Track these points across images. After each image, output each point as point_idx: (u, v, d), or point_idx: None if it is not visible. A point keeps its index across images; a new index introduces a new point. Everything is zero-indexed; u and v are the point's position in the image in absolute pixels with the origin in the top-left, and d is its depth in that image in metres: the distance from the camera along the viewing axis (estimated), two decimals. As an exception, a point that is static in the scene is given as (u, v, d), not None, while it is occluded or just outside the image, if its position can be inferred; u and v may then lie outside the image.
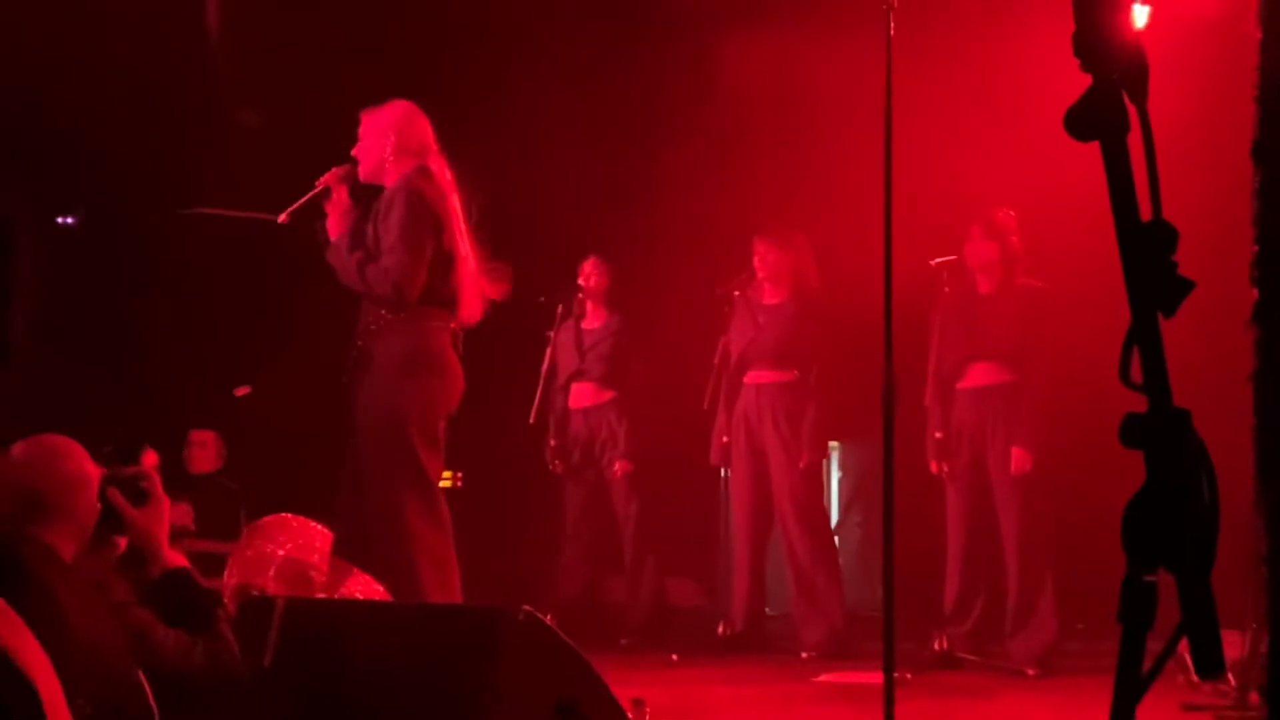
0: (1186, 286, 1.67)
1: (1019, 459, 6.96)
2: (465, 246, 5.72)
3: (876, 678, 4.77)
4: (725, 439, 8.05)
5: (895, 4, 4.71)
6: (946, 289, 7.39)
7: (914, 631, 7.08)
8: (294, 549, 4.93)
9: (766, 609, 8.27)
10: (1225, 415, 2.13)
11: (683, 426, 8.54)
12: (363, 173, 5.82)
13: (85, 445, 3.40)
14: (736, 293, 8.06)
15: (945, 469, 7.24)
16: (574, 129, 9.22)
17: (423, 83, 7.50)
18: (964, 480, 7.20)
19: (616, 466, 8.45)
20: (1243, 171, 1.76)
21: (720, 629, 8.02)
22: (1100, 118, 1.65)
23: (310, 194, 5.82)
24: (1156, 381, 1.66)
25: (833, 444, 9.25)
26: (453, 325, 5.73)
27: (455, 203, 5.73)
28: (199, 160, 9.00)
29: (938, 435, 7.24)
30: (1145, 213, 1.68)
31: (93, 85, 8.31)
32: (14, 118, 8.03)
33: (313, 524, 5.12)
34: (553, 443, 8.59)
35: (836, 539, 8.50)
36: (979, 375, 7.17)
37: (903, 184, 4.65)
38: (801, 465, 7.78)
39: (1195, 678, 5.33)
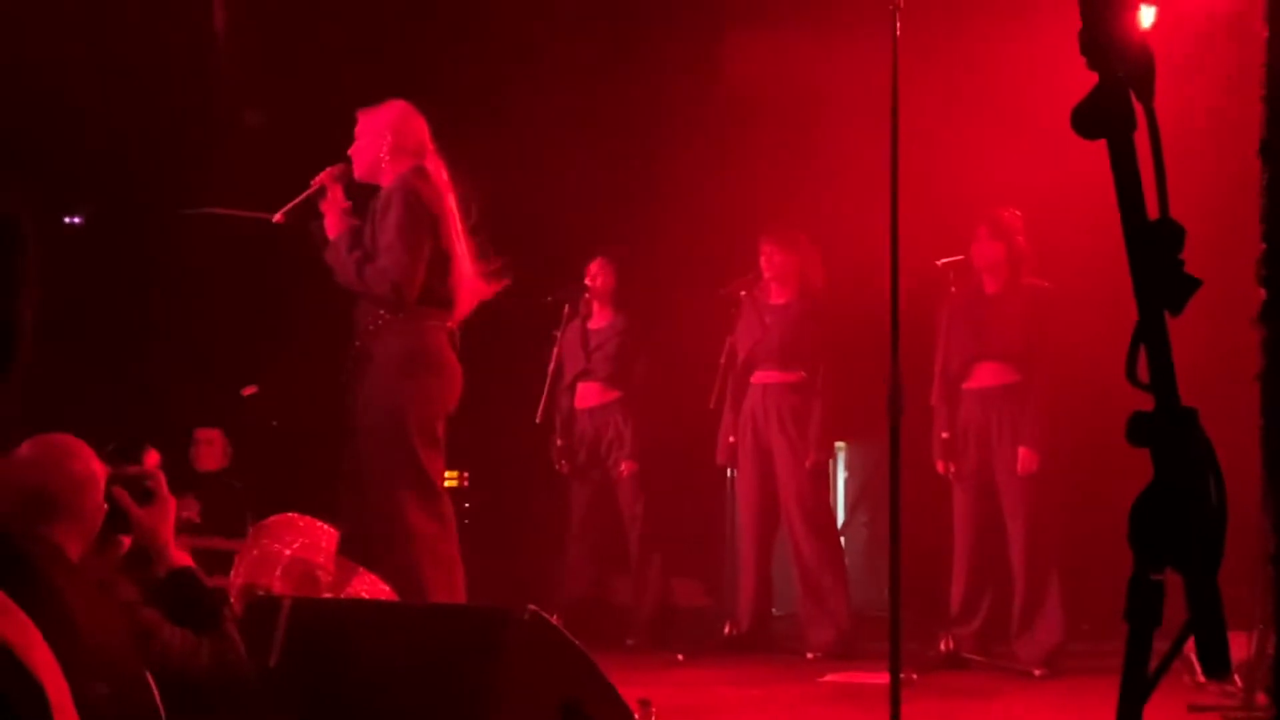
0: (1193, 285, 1.66)
1: (1025, 459, 6.96)
2: (461, 246, 5.72)
3: (882, 678, 4.78)
4: (731, 439, 8.05)
5: (901, 4, 4.71)
6: (953, 289, 7.38)
7: (920, 632, 7.07)
8: (300, 548, 4.92)
9: (772, 609, 8.27)
10: (1232, 414, 2.12)
11: (688, 426, 8.54)
12: (358, 172, 5.82)
13: (88, 444, 3.40)
14: (743, 293, 8.06)
15: (952, 469, 7.24)
16: (580, 129, 9.22)
17: (428, 83, 7.52)
18: (970, 480, 7.20)
19: (622, 466, 8.45)
20: (1250, 170, 1.76)
21: (726, 629, 8.02)
22: (1107, 116, 1.65)
23: (306, 193, 5.82)
24: (1163, 380, 1.65)
25: (839, 444, 9.26)
26: (449, 325, 5.73)
27: (452, 203, 5.73)
28: (203, 160, 9.01)
29: (944, 435, 7.24)
30: (1152, 211, 1.68)
31: (97, 85, 8.32)
32: (18, 117, 8.03)
33: (319, 523, 5.11)
34: (559, 442, 8.60)
35: (843, 539, 8.51)
36: (985, 375, 7.17)
37: (909, 184, 4.64)
38: (807, 465, 7.78)
39: (1202, 678, 5.34)
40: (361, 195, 5.87)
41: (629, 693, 3.86)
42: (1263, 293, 1.72)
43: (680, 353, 8.72)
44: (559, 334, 8.65)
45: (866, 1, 5.04)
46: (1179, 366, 1.66)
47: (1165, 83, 1.68)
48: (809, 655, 7.57)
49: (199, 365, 8.89)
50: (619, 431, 8.50)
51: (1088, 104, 1.66)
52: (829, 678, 6.86)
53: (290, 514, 5.13)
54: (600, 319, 8.64)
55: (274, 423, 8.74)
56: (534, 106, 9.01)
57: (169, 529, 3.54)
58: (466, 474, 9.01)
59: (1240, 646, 5.33)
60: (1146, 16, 4.20)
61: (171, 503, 3.56)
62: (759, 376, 7.96)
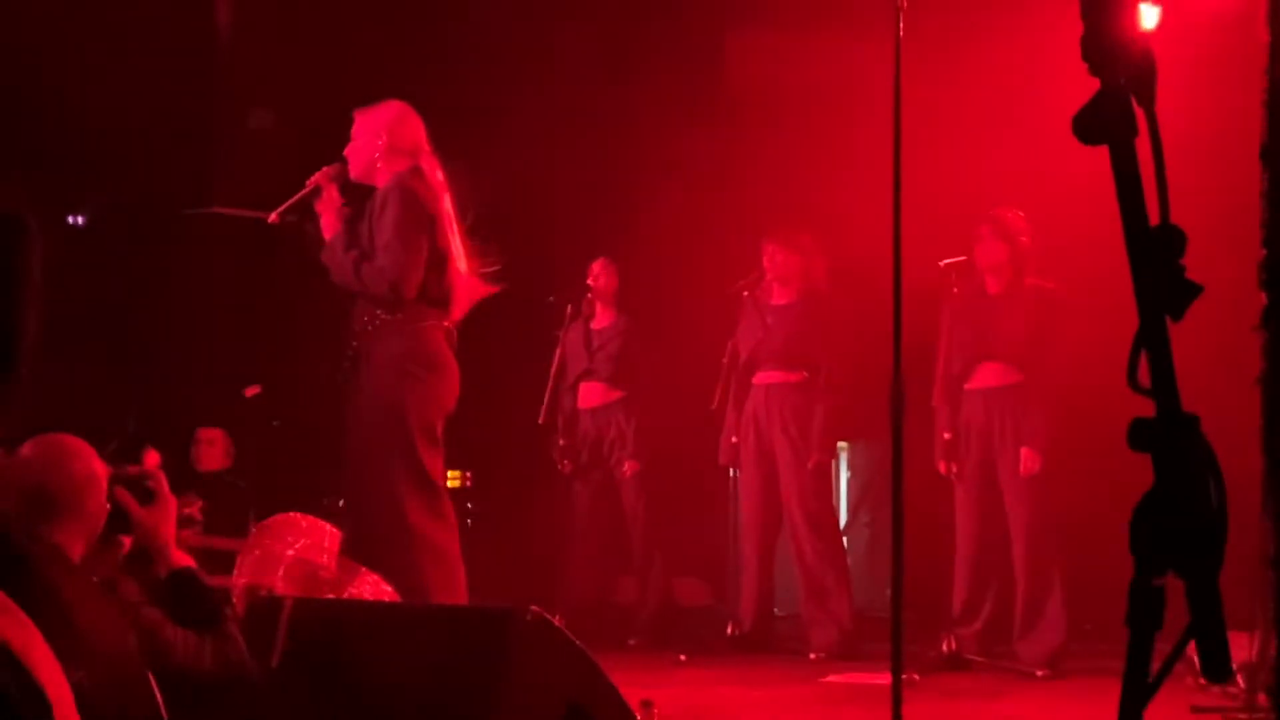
0: (1194, 290, 1.66)
1: (1028, 460, 6.96)
2: (458, 246, 5.73)
3: (885, 679, 4.78)
4: (734, 439, 8.05)
5: (904, 3, 4.71)
6: (955, 289, 7.38)
7: (922, 632, 7.07)
8: (303, 549, 4.93)
9: (775, 609, 8.27)
10: (1233, 419, 2.12)
11: (691, 427, 8.55)
12: (353, 172, 5.82)
13: (90, 444, 3.40)
14: (745, 293, 8.05)
15: (954, 470, 7.24)
16: (583, 128, 9.23)
17: (433, 83, 7.52)
18: (973, 481, 7.19)
19: (625, 466, 8.46)
20: (1251, 175, 1.76)
21: (728, 629, 8.02)
22: (1108, 122, 1.65)
23: (301, 193, 5.82)
24: (1164, 386, 1.65)
25: (841, 444, 9.25)
26: (446, 324, 5.73)
27: (447, 203, 5.73)
28: (209, 159, 9.01)
29: (946, 436, 7.24)
30: (1153, 216, 1.68)
31: (101, 84, 8.32)
32: (22, 116, 8.04)
33: (322, 523, 5.12)
34: (561, 442, 8.60)
35: (845, 540, 8.50)
36: (988, 376, 7.17)
37: (911, 184, 4.64)
38: (810, 466, 7.77)
39: (1204, 679, 5.33)
40: (358, 196, 5.87)
41: (631, 693, 3.87)
42: (1264, 298, 1.72)
43: (683, 353, 8.73)
44: (562, 334, 8.65)
45: (871, 2, 5.04)
46: (1180, 371, 1.66)
47: (1166, 87, 1.68)
48: (811, 656, 7.57)
49: (201, 365, 8.90)
50: (621, 432, 8.50)
51: (1089, 110, 1.66)
52: (831, 678, 6.86)
53: (293, 514, 5.14)
54: (603, 319, 8.65)
55: (276, 423, 8.74)
56: (537, 106, 9.01)
57: (170, 529, 3.54)
58: (469, 474, 9.01)
59: (1242, 648, 5.33)
60: (1150, 17, 4.20)
61: (172, 503, 3.56)
62: (761, 377, 7.95)
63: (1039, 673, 6.81)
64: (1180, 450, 1.64)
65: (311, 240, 5.83)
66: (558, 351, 8.64)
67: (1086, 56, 1.67)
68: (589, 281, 8.57)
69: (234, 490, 8.36)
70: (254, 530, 5.23)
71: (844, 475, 9.95)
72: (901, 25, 4.70)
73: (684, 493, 8.82)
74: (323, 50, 8.68)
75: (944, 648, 7.09)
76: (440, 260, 5.66)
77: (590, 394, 8.60)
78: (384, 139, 5.74)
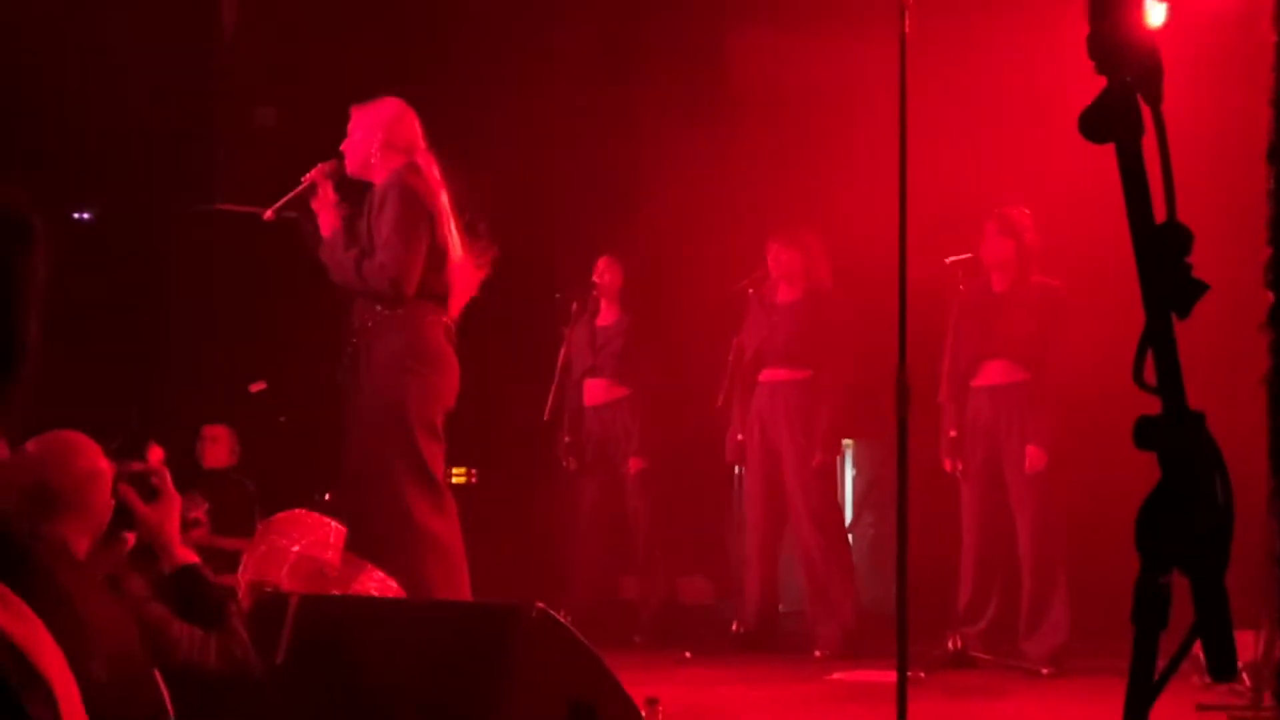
0: (1201, 289, 1.66)
1: (1033, 457, 6.95)
2: (456, 241, 5.73)
3: (890, 677, 4.77)
4: (739, 437, 8.04)
5: (909, 2, 4.70)
6: (961, 287, 7.37)
7: (927, 630, 7.06)
8: (308, 545, 4.93)
9: (779, 607, 8.27)
10: (1239, 417, 2.12)
11: (696, 424, 8.55)
12: (350, 168, 5.83)
13: (94, 441, 3.40)
14: (750, 291, 8.05)
15: (959, 467, 7.23)
16: (587, 126, 9.22)
17: (434, 82, 7.53)
18: (978, 479, 7.19)
19: (630, 464, 8.45)
20: (1258, 174, 1.76)
21: (733, 627, 8.02)
22: (1115, 120, 1.65)
23: (297, 190, 5.82)
24: (1170, 384, 1.65)
25: (846, 442, 9.25)
26: (446, 319, 5.74)
27: (445, 199, 5.74)
28: (214, 156, 9.02)
29: (952, 433, 7.24)
30: (1160, 214, 1.68)
31: (107, 81, 8.33)
32: (24, 115, 8.04)
33: (327, 520, 5.12)
34: (566, 439, 8.60)
35: (850, 537, 8.50)
36: (994, 373, 7.16)
37: (917, 182, 4.63)
38: (815, 464, 7.77)
39: (1209, 678, 5.33)
40: (354, 193, 5.87)
41: (636, 690, 3.87)
42: (1269, 297, 1.72)
43: (688, 351, 8.72)
44: (567, 331, 8.66)
45: (871, 0, 5.04)
46: (1186, 369, 1.66)
47: (1173, 86, 1.68)
48: (816, 653, 7.57)
49: (207, 361, 8.91)
50: (626, 429, 8.50)
51: (1095, 108, 1.66)
52: (836, 676, 6.85)
53: (298, 510, 5.14)
54: (608, 316, 8.64)
55: (281, 419, 8.75)
56: (537, 105, 9.01)
57: (174, 526, 3.54)
58: (474, 471, 9.02)
59: (1248, 646, 5.33)
60: (1158, 14, 4.20)
61: (177, 499, 3.56)
62: (766, 375, 7.95)
63: (1044, 671, 6.81)
64: (1186, 448, 1.64)
65: (309, 237, 5.84)
66: (563, 349, 8.64)
67: (1093, 55, 1.67)
68: (594, 279, 8.56)
69: (239, 487, 8.37)
70: (260, 527, 5.24)
71: (849, 473, 9.95)
72: (906, 22, 4.69)
73: (689, 490, 8.82)
74: (325, 49, 8.68)
75: (949, 646, 7.09)
76: (439, 256, 5.67)
77: (595, 391, 8.61)
78: (379, 135, 5.75)
